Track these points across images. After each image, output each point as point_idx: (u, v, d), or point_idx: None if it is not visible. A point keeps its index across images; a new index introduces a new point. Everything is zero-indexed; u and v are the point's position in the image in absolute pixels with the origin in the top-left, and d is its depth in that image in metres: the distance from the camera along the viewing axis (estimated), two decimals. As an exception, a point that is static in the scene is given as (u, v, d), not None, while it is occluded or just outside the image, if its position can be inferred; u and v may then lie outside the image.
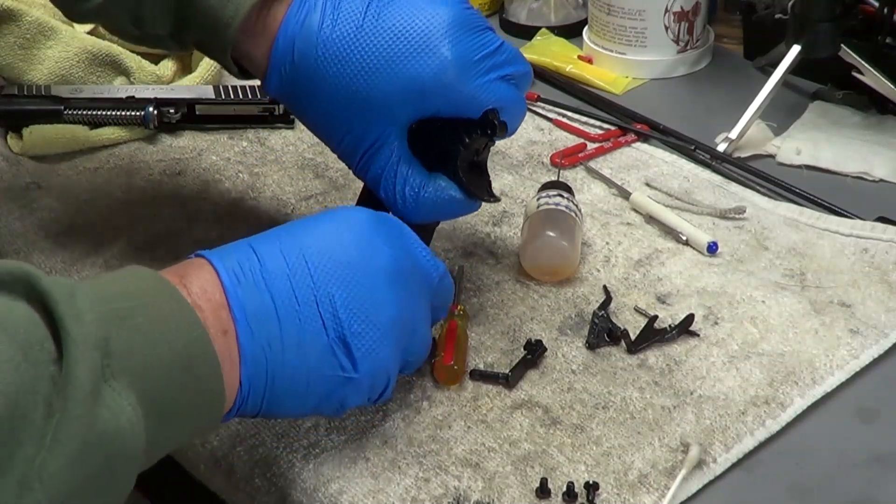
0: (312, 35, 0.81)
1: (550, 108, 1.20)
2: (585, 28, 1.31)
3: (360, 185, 1.09)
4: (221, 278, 0.70)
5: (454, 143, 0.81)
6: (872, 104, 1.17)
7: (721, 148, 1.12)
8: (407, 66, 0.80)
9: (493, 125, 0.80)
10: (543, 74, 1.27)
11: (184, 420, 0.67)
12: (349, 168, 0.87)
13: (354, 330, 0.72)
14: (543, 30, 1.34)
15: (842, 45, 1.12)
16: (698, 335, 0.89)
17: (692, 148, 1.13)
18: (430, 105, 0.81)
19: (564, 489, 0.76)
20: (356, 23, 0.80)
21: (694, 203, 1.04)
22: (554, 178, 1.04)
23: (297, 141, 1.15)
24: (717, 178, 1.09)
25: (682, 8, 1.23)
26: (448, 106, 0.81)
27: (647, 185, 1.07)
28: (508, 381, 0.85)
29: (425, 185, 0.83)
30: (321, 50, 0.81)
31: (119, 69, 1.20)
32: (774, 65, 1.16)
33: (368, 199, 0.88)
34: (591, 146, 1.14)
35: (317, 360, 0.71)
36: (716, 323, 0.90)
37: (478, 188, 0.84)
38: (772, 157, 1.12)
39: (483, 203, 0.86)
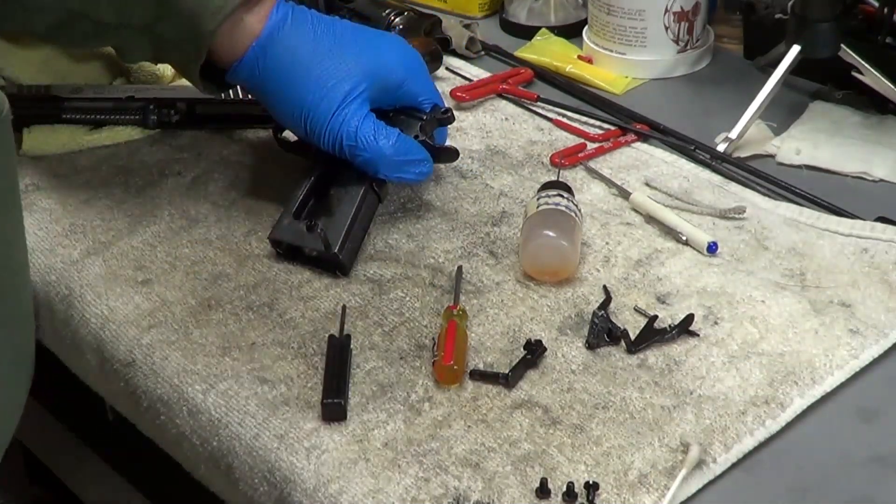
0: (305, 10, 0.98)
1: (550, 108, 1.20)
2: (585, 28, 1.31)
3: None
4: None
5: (412, 122, 1.00)
6: (872, 104, 1.17)
7: (721, 148, 1.12)
8: (386, 46, 1.00)
9: (449, 109, 1.02)
10: (543, 74, 1.27)
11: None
12: (318, 133, 0.96)
13: None
14: (543, 30, 1.34)
15: (842, 45, 1.12)
16: (698, 335, 0.89)
17: (692, 148, 1.13)
18: (397, 78, 0.99)
19: (564, 489, 0.76)
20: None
21: (694, 203, 1.04)
22: (554, 178, 1.04)
23: (297, 141, 1.15)
24: (717, 178, 1.09)
25: (682, 8, 1.23)
26: (411, 86, 1.00)
27: (647, 185, 1.07)
28: (508, 381, 0.85)
29: (398, 135, 0.97)
30: (315, 18, 0.97)
31: (118, 69, 1.20)
32: (774, 65, 1.16)
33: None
34: (591, 146, 1.13)
35: None
36: (716, 323, 0.90)
37: (436, 151, 1.02)
38: (772, 157, 1.12)
39: (443, 162, 1.05)
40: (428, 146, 1.00)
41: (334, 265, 0.96)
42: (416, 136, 0.99)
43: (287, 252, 0.98)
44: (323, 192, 1.00)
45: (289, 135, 1.05)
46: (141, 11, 0.94)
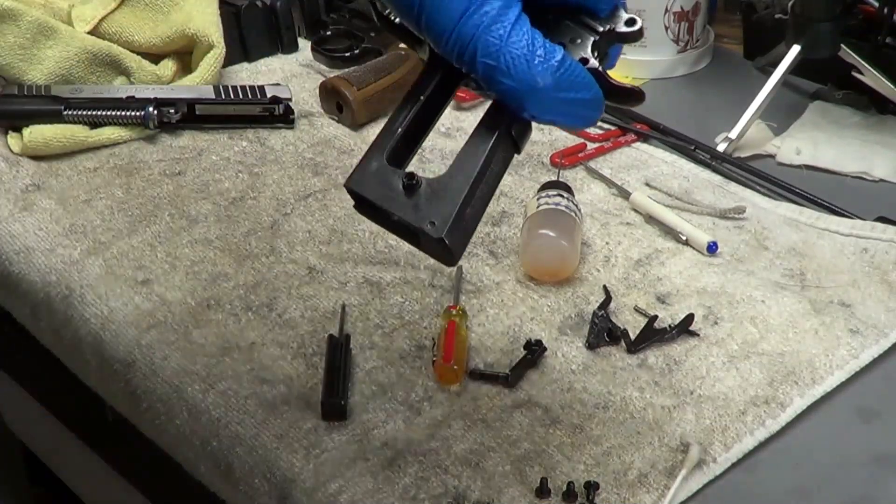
0: None
1: (550, 108, 1.20)
2: (585, 28, 1.31)
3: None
4: None
5: (582, 35, 0.66)
6: (872, 104, 1.17)
7: (721, 148, 1.12)
8: None
9: (635, 19, 0.66)
10: (543, 74, 1.27)
11: None
12: (438, 33, 0.63)
13: None
14: (543, 30, 1.34)
15: (842, 45, 1.12)
16: (698, 335, 0.89)
17: (692, 148, 1.13)
18: None
19: (564, 489, 0.76)
20: None
21: (694, 203, 1.04)
22: (554, 178, 1.04)
23: (297, 141, 1.16)
24: (717, 178, 1.09)
25: (682, 8, 1.23)
26: None
27: (647, 185, 1.07)
28: (508, 381, 0.85)
29: (563, 56, 0.63)
30: None
31: (119, 69, 1.20)
32: (774, 65, 1.16)
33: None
34: (591, 146, 1.14)
35: None
36: (716, 323, 0.90)
37: (614, 89, 0.66)
38: (772, 157, 1.13)
39: (613, 103, 0.67)
40: (602, 79, 0.65)
41: (435, 249, 0.65)
42: (584, 60, 0.65)
43: (368, 206, 0.66)
44: (433, 119, 0.68)
45: None
46: None
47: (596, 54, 0.65)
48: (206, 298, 0.94)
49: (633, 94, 0.68)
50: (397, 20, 0.68)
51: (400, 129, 0.65)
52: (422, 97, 0.66)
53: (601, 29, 0.66)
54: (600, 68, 0.65)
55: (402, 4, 0.64)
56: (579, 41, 0.66)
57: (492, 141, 0.65)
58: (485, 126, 0.65)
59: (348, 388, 0.85)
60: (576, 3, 0.65)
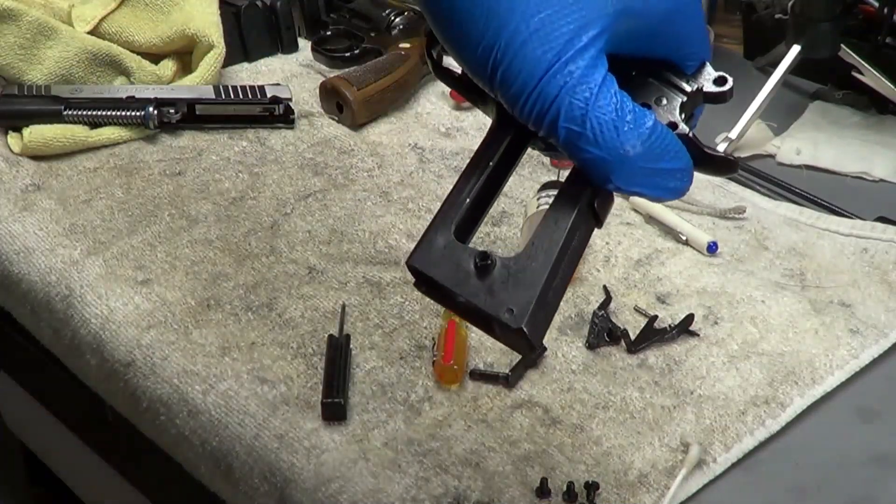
0: None
1: (550, 108, 1.20)
2: (585, 28, 1.31)
3: (359, 184, 1.09)
4: None
5: (668, 95, 0.60)
6: (872, 104, 1.17)
7: (721, 148, 1.11)
8: None
9: (725, 78, 0.60)
10: (543, 74, 1.27)
11: None
12: (514, 91, 0.56)
13: None
14: (543, 30, 1.34)
15: (842, 45, 1.12)
16: (698, 335, 0.89)
17: (692, 148, 1.13)
18: (659, 11, 0.58)
19: (564, 489, 0.76)
20: None
21: (694, 203, 1.04)
22: (554, 177, 1.04)
23: (297, 141, 1.15)
24: (717, 178, 1.09)
25: (682, 8, 1.23)
26: (678, 26, 0.59)
27: (647, 185, 1.07)
28: (508, 381, 0.85)
29: (654, 123, 0.57)
30: None
31: (119, 69, 1.20)
32: (774, 65, 1.16)
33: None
34: (591, 146, 1.13)
35: None
36: (716, 323, 0.90)
37: (706, 157, 0.61)
38: (772, 157, 1.13)
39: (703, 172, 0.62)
40: (692, 146, 0.60)
41: (511, 338, 0.58)
42: (672, 125, 0.59)
43: (431, 286, 0.60)
44: (500, 185, 0.62)
45: (453, 62, 0.62)
46: None
47: (682, 116, 0.60)
48: (206, 298, 0.94)
49: (728, 164, 0.62)
50: (459, 72, 0.62)
51: (468, 200, 0.59)
52: (491, 163, 0.60)
53: (688, 89, 0.60)
54: (690, 134, 0.59)
55: (473, 57, 0.57)
56: (664, 102, 0.60)
57: (573, 216, 0.58)
58: (563, 199, 0.58)
59: (348, 388, 0.85)
60: (660, 58, 0.59)
